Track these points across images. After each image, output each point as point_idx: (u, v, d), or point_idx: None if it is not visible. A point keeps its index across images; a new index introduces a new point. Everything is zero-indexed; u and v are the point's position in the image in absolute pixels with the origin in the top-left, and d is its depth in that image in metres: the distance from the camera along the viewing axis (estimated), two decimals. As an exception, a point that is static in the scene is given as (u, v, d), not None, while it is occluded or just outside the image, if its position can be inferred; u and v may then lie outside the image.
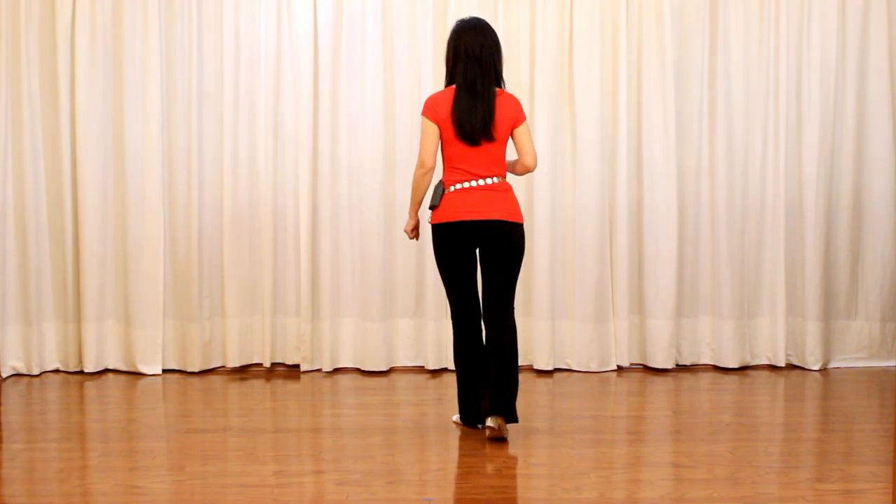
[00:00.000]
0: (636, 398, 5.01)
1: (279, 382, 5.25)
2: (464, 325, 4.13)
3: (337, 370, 5.46)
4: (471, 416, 4.18)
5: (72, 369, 5.40)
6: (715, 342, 5.51)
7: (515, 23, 5.43)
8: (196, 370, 5.39)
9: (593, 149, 5.39)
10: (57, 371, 5.41)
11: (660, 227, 5.43)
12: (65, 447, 4.00)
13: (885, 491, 3.33)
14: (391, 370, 5.48)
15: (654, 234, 5.44)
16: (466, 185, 4.01)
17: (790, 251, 5.50)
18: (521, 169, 4.15)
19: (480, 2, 5.38)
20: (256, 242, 5.43)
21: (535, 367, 5.42)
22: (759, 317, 5.53)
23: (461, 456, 3.90)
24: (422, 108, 4.08)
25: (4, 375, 5.29)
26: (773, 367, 5.51)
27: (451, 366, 4.86)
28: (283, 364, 5.52)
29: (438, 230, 4.05)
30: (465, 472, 3.68)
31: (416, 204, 4.12)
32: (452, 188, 4.02)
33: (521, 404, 4.13)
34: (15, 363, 5.33)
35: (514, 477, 3.64)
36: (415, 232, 4.22)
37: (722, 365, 5.49)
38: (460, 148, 4.01)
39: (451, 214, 4.00)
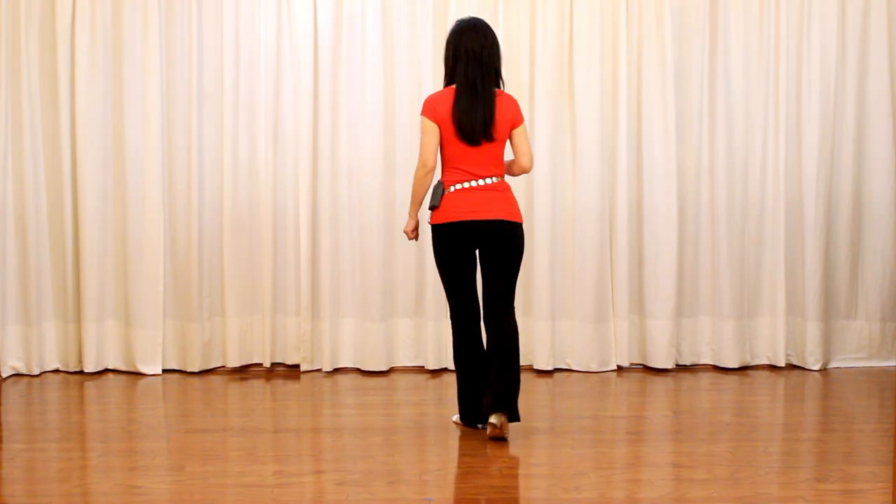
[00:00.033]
0: (636, 398, 5.01)
1: (279, 382, 5.25)
2: (463, 326, 4.13)
3: (337, 370, 5.46)
4: (471, 416, 4.18)
5: (72, 369, 5.40)
6: (715, 342, 5.51)
7: (515, 23, 5.43)
8: (196, 370, 5.40)
9: (593, 149, 5.39)
10: (57, 371, 5.41)
11: (660, 227, 5.43)
12: (65, 447, 4.00)
13: (885, 491, 3.33)
14: (391, 370, 5.48)
15: (654, 234, 5.44)
16: (466, 185, 4.01)
17: (790, 251, 5.50)
18: (518, 170, 4.16)
19: (480, 2, 5.38)
20: (256, 242, 5.43)
21: (535, 367, 5.42)
22: (759, 317, 5.53)
23: (461, 456, 3.90)
24: (421, 107, 4.08)
25: (4, 375, 5.29)
26: (773, 367, 5.52)
27: (451, 366, 4.87)
28: (283, 364, 5.52)
29: (439, 230, 4.04)
30: (465, 472, 3.68)
31: (417, 204, 4.12)
32: (452, 188, 4.02)
33: (521, 404, 4.12)
34: (15, 363, 5.34)
35: (514, 477, 3.64)
36: (415, 232, 4.22)
37: (722, 365, 5.49)
38: (460, 148, 4.01)
39: (451, 214, 4.00)
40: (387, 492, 3.39)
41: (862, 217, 5.54)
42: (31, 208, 5.28)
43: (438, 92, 4.10)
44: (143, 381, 5.27)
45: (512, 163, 4.16)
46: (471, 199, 4.00)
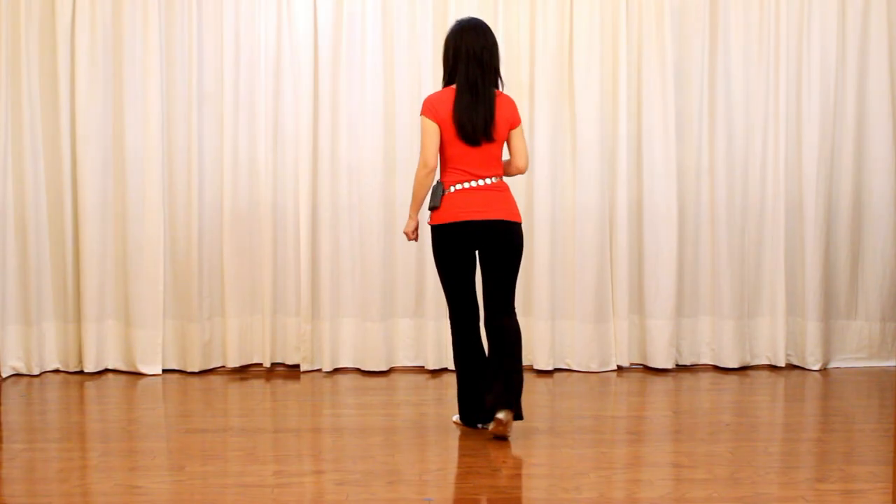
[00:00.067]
0: (636, 398, 5.01)
1: (279, 382, 5.25)
2: (463, 326, 4.13)
3: (337, 370, 5.46)
4: (471, 416, 4.18)
5: (72, 369, 5.40)
6: (715, 342, 5.51)
7: (515, 23, 5.43)
8: (196, 370, 5.40)
9: (593, 149, 5.39)
10: (57, 371, 5.41)
11: (660, 227, 5.43)
12: (65, 447, 4.00)
13: (885, 491, 3.33)
14: (391, 370, 5.48)
15: (654, 234, 5.44)
16: (467, 185, 4.01)
17: (790, 251, 5.50)
18: (514, 170, 4.18)
19: (480, 2, 5.38)
20: (256, 242, 5.43)
21: (535, 367, 5.42)
22: (759, 317, 5.53)
23: (461, 456, 3.90)
24: (421, 108, 4.08)
25: (4, 375, 5.29)
26: (773, 367, 5.52)
27: (451, 366, 4.86)
28: (283, 364, 5.52)
29: (440, 231, 4.04)
30: (465, 472, 3.68)
31: (418, 205, 4.11)
32: (452, 188, 4.02)
33: (521, 404, 4.11)
34: (15, 363, 5.34)
35: (513, 477, 3.64)
36: (415, 233, 4.21)
37: (722, 365, 5.49)
38: (460, 148, 4.01)
39: (452, 215, 4.00)
40: (387, 492, 3.39)
41: (862, 217, 5.54)
42: (31, 208, 5.28)
43: (438, 92, 4.10)
44: (143, 381, 5.27)
45: (508, 163, 4.17)
46: (471, 199, 4.00)
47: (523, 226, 5.25)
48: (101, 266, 5.37)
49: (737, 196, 5.51)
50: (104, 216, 5.37)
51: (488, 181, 4.04)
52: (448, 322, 4.47)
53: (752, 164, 5.50)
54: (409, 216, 4.16)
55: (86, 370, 5.36)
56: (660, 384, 5.20)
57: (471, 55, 4.01)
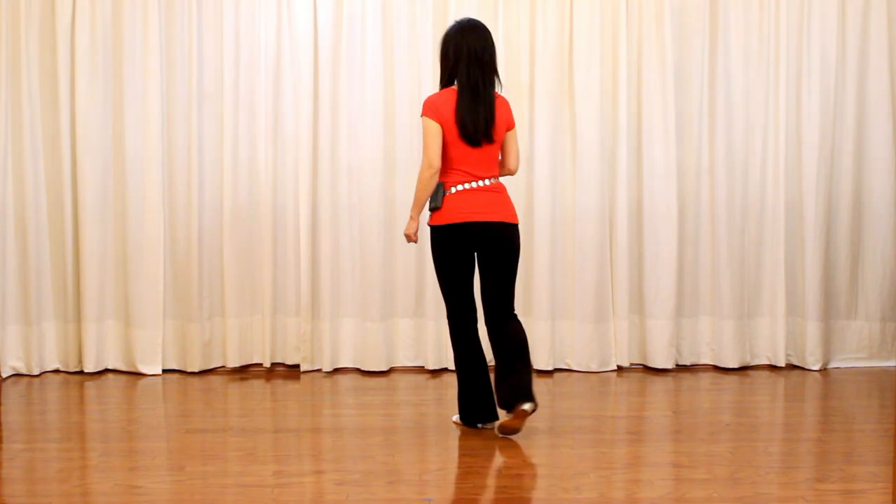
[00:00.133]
0: (636, 398, 5.01)
1: (279, 382, 5.25)
2: (464, 327, 4.14)
3: (337, 370, 5.46)
4: (471, 416, 4.19)
5: (72, 369, 5.40)
6: (715, 342, 5.51)
7: (515, 23, 5.43)
8: (196, 370, 5.39)
9: (593, 149, 5.39)
10: (57, 371, 5.41)
11: (660, 227, 5.43)
12: (65, 447, 4.00)
13: (885, 491, 3.33)
14: (391, 370, 5.47)
15: (654, 234, 5.44)
16: (468, 185, 4.02)
17: (790, 251, 5.50)
18: (505, 172, 4.20)
19: (480, 2, 5.38)
20: (256, 242, 5.43)
21: (536, 367, 5.41)
22: (759, 317, 5.53)
23: (461, 456, 3.90)
24: (421, 108, 4.08)
25: (4, 375, 5.29)
26: (773, 367, 5.51)
27: (451, 366, 4.87)
28: (283, 364, 5.52)
29: (442, 231, 4.04)
30: (465, 472, 3.68)
31: (420, 206, 4.09)
32: (454, 189, 4.02)
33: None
34: (15, 363, 5.33)
35: (514, 477, 3.64)
36: (416, 235, 4.21)
37: (722, 365, 5.49)
38: (462, 149, 4.01)
39: (455, 216, 4.00)
40: (387, 492, 3.39)
41: (862, 217, 5.54)
42: (31, 208, 5.28)
43: (439, 93, 4.09)
44: (143, 381, 5.27)
45: (500, 164, 4.18)
46: (473, 200, 4.01)
47: (523, 226, 5.30)
48: (101, 266, 5.37)
49: (737, 196, 5.51)
50: (104, 216, 5.37)
51: (488, 182, 4.05)
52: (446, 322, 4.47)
53: (752, 164, 5.50)
54: (411, 217, 4.14)
55: (86, 370, 5.36)
56: (660, 384, 5.20)
57: (472, 56, 4.01)
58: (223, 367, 5.49)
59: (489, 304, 4.09)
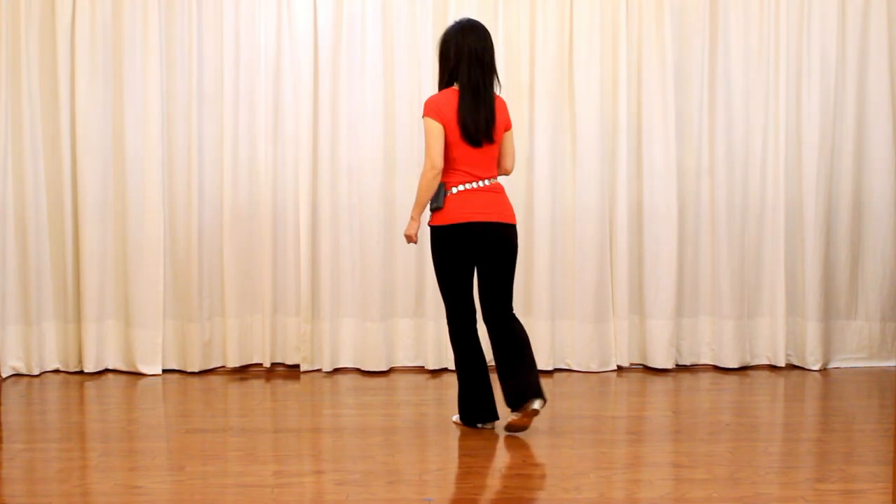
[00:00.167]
0: (636, 398, 5.01)
1: (279, 382, 5.25)
2: (464, 328, 4.14)
3: (337, 370, 5.46)
4: (471, 416, 4.19)
5: (72, 369, 5.40)
6: (715, 342, 5.51)
7: (515, 23, 5.43)
8: (196, 370, 5.39)
9: (593, 149, 5.39)
10: (57, 371, 5.41)
11: (660, 227, 5.43)
12: (65, 447, 4.00)
13: (885, 491, 3.33)
14: (391, 370, 5.47)
15: (654, 234, 5.44)
16: (470, 185, 4.03)
17: (790, 251, 5.50)
18: (502, 172, 4.22)
19: (480, 2, 5.38)
20: (256, 242, 5.43)
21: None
22: (759, 317, 5.53)
23: (461, 456, 3.90)
24: (422, 109, 4.08)
25: (4, 375, 5.29)
26: (773, 367, 5.51)
27: (451, 366, 4.87)
28: (283, 364, 5.52)
29: (444, 232, 4.04)
30: (465, 472, 3.68)
31: (422, 207, 4.08)
32: (455, 189, 4.03)
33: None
34: (15, 363, 5.33)
35: (514, 477, 3.64)
36: (416, 235, 4.20)
37: (722, 365, 5.49)
38: (463, 150, 4.02)
39: (457, 216, 4.01)
40: (387, 492, 3.39)
41: (862, 217, 5.54)
42: (31, 208, 5.28)
43: (440, 93, 4.09)
44: (143, 381, 5.27)
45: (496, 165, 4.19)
46: (475, 200, 4.02)
47: (523, 226, 5.32)
48: (101, 266, 5.37)
49: (737, 196, 5.51)
50: (104, 216, 5.37)
51: (487, 182, 4.06)
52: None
53: (752, 164, 5.50)
54: (412, 218, 4.12)
55: (86, 370, 5.36)
56: (660, 384, 5.20)
57: (473, 56, 4.02)
58: (223, 367, 5.49)
59: (489, 304, 4.10)
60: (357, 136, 5.41)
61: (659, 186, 5.42)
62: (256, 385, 5.19)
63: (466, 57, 4.02)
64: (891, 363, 5.56)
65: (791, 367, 5.53)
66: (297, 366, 5.48)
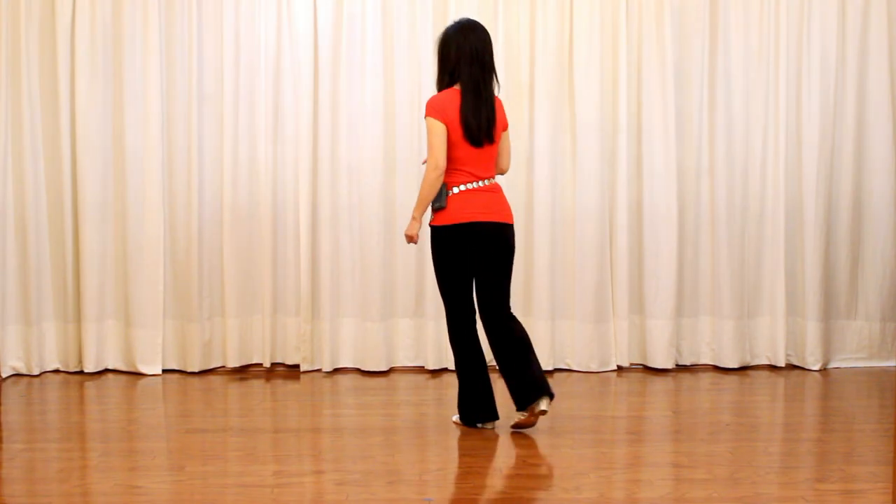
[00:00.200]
0: (636, 398, 5.01)
1: (279, 382, 5.25)
2: (464, 328, 4.14)
3: (337, 370, 5.46)
4: (471, 416, 4.19)
5: (72, 369, 5.40)
6: (715, 342, 5.51)
7: (515, 23, 5.43)
8: (196, 370, 5.39)
9: (593, 149, 5.39)
10: (57, 371, 5.41)
11: (660, 227, 5.43)
12: (65, 447, 4.00)
13: (885, 491, 3.33)
14: (391, 370, 5.47)
15: (654, 234, 5.44)
16: (471, 185, 4.04)
17: (790, 251, 5.49)
18: (498, 171, 4.23)
19: (480, 2, 5.38)
20: (256, 242, 5.43)
21: (535, 367, 5.42)
22: (759, 317, 5.53)
23: (461, 456, 3.90)
24: (424, 109, 4.08)
25: (4, 375, 5.29)
26: (773, 367, 5.51)
27: (451, 366, 4.87)
28: (283, 364, 5.52)
29: (446, 231, 4.05)
30: (465, 472, 3.68)
31: (424, 207, 4.09)
32: (456, 189, 4.03)
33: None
34: (15, 363, 5.33)
35: (514, 477, 3.64)
36: (418, 236, 4.20)
37: (722, 365, 5.49)
38: (465, 150, 4.02)
39: (460, 216, 4.02)
40: (387, 492, 3.39)
41: (862, 217, 5.54)
42: (31, 208, 5.28)
43: (442, 93, 4.08)
44: (143, 381, 5.27)
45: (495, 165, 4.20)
46: (477, 200, 4.03)
47: (523, 226, 5.32)
48: (101, 266, 5.37)
49: (737, 196, 5.51)
50: (104, 216, 5.37)
51: (487, 182, 4.08)
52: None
53: (752, 164, 5.50)
54: (414, 218, 4.11)
55: (86, 370, 5.36)
56: (660, 384, 5.20)
57: (474, 56, 4.03)
58: (223, 367, 5.49)
59: (487, 304, 4.10)
60: (357, 136, 5.41)
61: (659, 186, 5.42)
62: (256, 385, 5.19)
63: (467, 57, 4.02)
64: (891, 363, 5.56)
65: (791, 367, 5.53)
66: (297, 366, 5.48)
